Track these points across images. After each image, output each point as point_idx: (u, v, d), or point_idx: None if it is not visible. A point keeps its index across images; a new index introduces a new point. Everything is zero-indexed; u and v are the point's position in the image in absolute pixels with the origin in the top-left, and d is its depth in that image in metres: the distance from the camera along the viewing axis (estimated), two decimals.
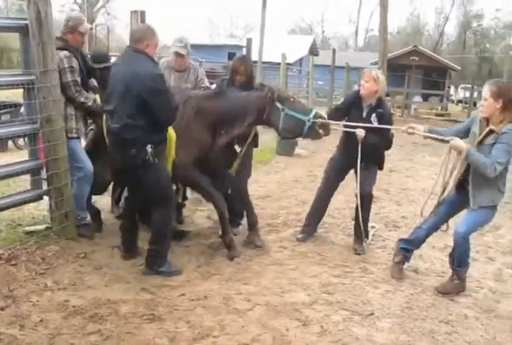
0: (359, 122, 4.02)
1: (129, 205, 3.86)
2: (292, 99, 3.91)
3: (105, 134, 3.56)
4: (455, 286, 3.58)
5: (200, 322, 2.92)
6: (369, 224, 4.48)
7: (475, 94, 20.69)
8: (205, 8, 62.91)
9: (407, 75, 21.07)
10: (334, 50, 17.35)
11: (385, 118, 4.10)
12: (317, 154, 9.10)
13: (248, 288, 3.39)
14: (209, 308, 3.08)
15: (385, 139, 4.09)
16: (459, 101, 26.66)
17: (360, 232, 4.25)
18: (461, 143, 3.36)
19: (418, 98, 22.53)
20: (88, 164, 3.98)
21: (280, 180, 6.71)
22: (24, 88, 3.79)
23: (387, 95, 21.03)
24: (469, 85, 21.47)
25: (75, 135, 3.96)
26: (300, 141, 7.09)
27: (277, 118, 3.82)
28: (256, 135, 4.35)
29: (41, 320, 2.81)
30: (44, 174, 3.93)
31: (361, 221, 4.18)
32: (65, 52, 3.81)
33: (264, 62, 11.50)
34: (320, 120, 3.84)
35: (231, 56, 16.76)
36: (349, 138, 4.14)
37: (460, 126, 3.76)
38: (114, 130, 3.35)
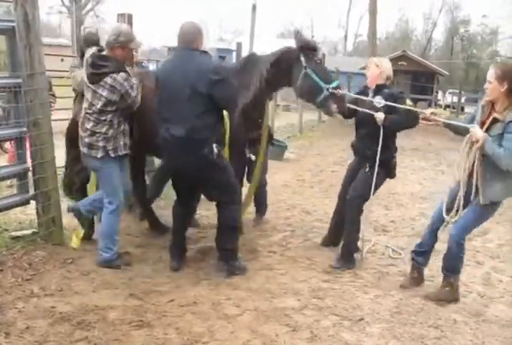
0: (366, 106, 3.90)
1: (184, 209, 3.77)
2: (318, 61, 3.74)
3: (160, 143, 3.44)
4: (446, 294, 3.52)
5: (190, 328, 2.89)
6: (361, 236, 4.15)
7: (463, 99, 20.91)
8: (194, 12, 63.00)
9: (395, 79, 21.22)
10: (323, 55, 17.44)
11: (394, 96, 3.90)
12: (306, 159, 9.13)
13: (237, 293, 3.37)
14: (198, 314, 3.05)
15: (406, 115, 3.82)
16: (447, 106, 26.93)
17: (343, 246, 4.06)
18: (479, 130, 3.19)
19: None
20: (121, 193, 3.71)
21: (270, 184, 6.69)
22: (10, 91, 3.74)
23: None
24: (457, 90, 21.69)
25: (124, 152, 3.64)
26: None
27: (297, 73, 3.68)
28: (271, 135, 4.40)
29: (27, 328, 2.76)
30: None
31: (345, 233, 4.06)
32: (123, 75, 3.46)
33: None
34: (338, 91, 3.67)
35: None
36: (359, 135, 4.07)
37: (467, 117, 3.63)
38: (179, 134, 3.28)
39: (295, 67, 3.69)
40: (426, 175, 8.28)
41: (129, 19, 5.13)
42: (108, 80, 3.43)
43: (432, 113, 3.59)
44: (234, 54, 12.78)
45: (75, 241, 3.88)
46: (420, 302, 3.47)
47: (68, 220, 4.14)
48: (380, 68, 3.96)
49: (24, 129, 3.80)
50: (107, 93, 3.44)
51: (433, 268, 4.10)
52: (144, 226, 4.56)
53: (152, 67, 17.53)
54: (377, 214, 5.61)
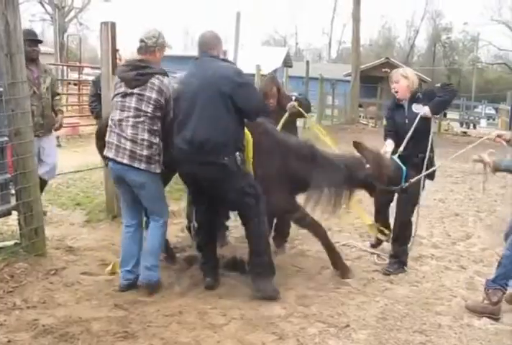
0: (403, 121, 4.00)
1: (209, 224, 3.63)
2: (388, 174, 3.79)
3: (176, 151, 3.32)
4: (484, 307, 3.43)
5: (175, 338, 2.86)
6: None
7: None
8: (179, 20, 63.05)
9: (379, 86, 21.52)
10: (307, 62, 17.63)
11: (428, 93, 4.00)
12: None
13: (223, 302, 3.35)
14: (184, 324, 3.03)
15: (443, 91, 3.93)
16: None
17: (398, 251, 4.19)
18: None
19: None
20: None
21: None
22: None
23: (360, 106, 21.42)
24: None
25: (160, 170, 3.40)
26: None
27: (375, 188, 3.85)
28: None
29: (9, 341, 2.71)
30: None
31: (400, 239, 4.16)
32: (168, 79, 3.36)
33: None
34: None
35: None
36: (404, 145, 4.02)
37: None
38: (200, 139, 3.20)
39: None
40: None
41: (112, 27, 5.12)
42: (155, 81, 3.29)
43: (498, 135, 3.63)
44: None
45: (110, 269, 3.73)
46: (405, 307, 3.49)
47: (51, 231, 4.09)
48: (408, 80, 3.99)
49: (6, 138, 3.75)
50: (156, 95, 3.28)
51: (419, 274, 4.15)
52: None
53: None
54: (361, 220, 5.62)
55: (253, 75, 11.07)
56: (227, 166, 3.24)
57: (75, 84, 17.18)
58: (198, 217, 3.67)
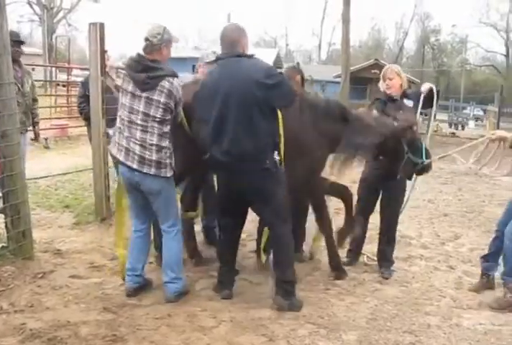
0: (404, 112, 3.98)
1: (233, 233, 3.51)
2: (418, 140, 3.80)
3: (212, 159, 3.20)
4: (508, 301, 3.54)
5: (165, 341, 2.84)
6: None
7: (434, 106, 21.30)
8: (171, 21, 63.06)
9: (369, 87, 21.63)
10: (297, 63, 17.62)
11: (417, 93, 4.12)
12: None
13: (213, 304, 3.34)
14: (174, 327, 3.01)
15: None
16: (420, 113, 27.50)
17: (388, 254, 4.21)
18: None
19: None
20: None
21: None
22: None
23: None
24: None
25: (172, 173, 3.32)
26: None
27: (400, 158, 3.73)
28: None
29: None
30: None
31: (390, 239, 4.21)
32: (178, 80, 3.25)
33: None
34: (429, 161, 3.81)
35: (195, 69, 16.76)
36: None
37: None
38: (239, 150, 3.06)
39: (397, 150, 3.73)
40: None
41: (100, 28, 5.08)
42: (165, 84, 3.16)
43: (500, 138, 3.65)
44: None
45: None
46: (395, 307, 3.50)
47: (39, 234, 4.05)
48: (401, 79, 4.09)
49: None
50: (165, 99, 3.17)
51: (408, 275, 4.17)
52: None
53: None
54: None
55: None
56: (269, 169, 3.14)
57: (63, 85, 17.06)
58: (223, 226, 3.52)
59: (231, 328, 3.04)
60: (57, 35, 29.15)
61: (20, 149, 3.76)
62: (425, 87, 4.10)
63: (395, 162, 3.79)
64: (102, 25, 5.08)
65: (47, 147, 9.53)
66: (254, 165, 3.11)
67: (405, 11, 67.60)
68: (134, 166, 3.18)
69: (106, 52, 5.09)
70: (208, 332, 2.97)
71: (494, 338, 3.16)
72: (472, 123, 24.04)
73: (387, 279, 4.06)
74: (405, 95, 4.16)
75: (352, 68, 20.66)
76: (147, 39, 3.23)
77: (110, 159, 5.41)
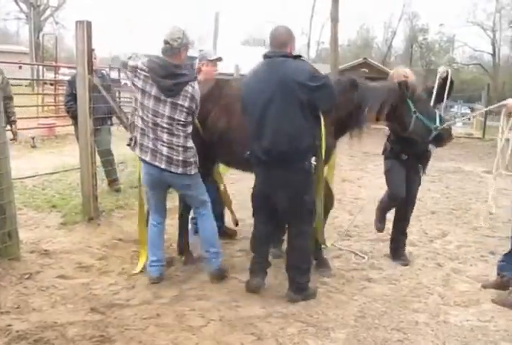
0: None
1: (267, 228, 3.58)
2: (423, 99, 3.80)
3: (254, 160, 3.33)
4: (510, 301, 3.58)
5: (153, 341, 2.83)
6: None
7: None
8: (159, 19, 62.68)
9: None
10: None
11: (427, 88, 4.08)
12: None
13: (202, 304, 3.33)
14: (162, 327, 3.00)
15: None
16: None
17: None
18: None
19: None
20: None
21: (235, 191, 6.69)
22: None
23: None
24: None
25: (197, 170, 3.59)
26: None
27: (407, 118, 3.74)
28: None
29: None
30: None
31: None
32: (197, 83, 3.46)
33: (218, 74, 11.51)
34: (445, 126, 3.78)
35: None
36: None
37: None
38: (280, 149, 3.17)
39: (403, 112, 3.75)
40: None
41: (87, 26, 5.03)
42: (189, 89, 3.37)
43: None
44: (197, 61, 12.76)
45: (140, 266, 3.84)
46: (383, 305, 3.52)
47: (25, 234, 4.01)
48: (410, 78, 4.05)
49: None
50: (189, 103, 3.39)
51: (396, 272, 4.19)
52: (104, 239, 4.45)
53: (113, 74, 17.26)
54: (341, 219, 5.68)
55: (232, 74, 11.09)
56: (306, 170, 3.25)
57: (51, 84, 16.87)
58: (257, 219, 3.62)
59: (219, 327, 3.04)
60: (44, 33, 28.78)
61: (6, 149, 3.71)
62: (441, 70, 4.06)
63: (404, 125, 3.79)
64: (89, 23, 5.02)
65: (34, 146, 9.43)
66: (292, 165, 3.22)
67: (393, 11, 68.12)
68: (163, 166, 3.41)
69: (93, 50, 5.05)
70: (196, 331, 2.96)
71: (481, 334, 3.20)
72: (459, 122, 24.22)
73: (407, 265, 4.29)
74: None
75: (340, 67, 20.75)
76: (167, 42, 3.36)
77: (97, 158, 5.39)
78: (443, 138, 3.89)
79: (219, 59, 4.47)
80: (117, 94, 14.75)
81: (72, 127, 6.09)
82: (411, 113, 3.74)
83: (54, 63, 17.54)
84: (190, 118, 3.44)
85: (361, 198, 6.87)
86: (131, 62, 3.42)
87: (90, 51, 4.85)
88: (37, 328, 2.88)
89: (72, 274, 3.71)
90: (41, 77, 17.23)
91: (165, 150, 3.38)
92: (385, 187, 7.70)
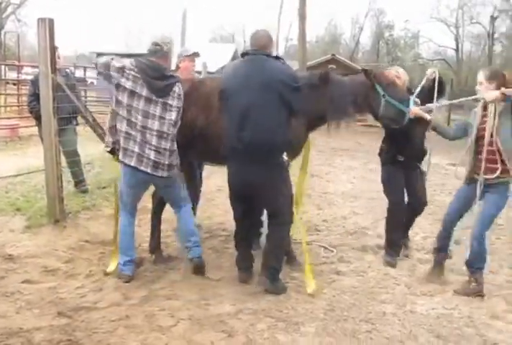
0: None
1: (247, 222, 3.76)
2: (392, 84, 3.84)
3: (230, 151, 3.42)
4: (473, 289, 3.72)
5: (122, 343, 2.81)
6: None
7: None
8: (123, 16, 61.61)
9: None
10: None
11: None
12: None
13: (172, 303, 3.31)
14: (131, 328, 2.97)
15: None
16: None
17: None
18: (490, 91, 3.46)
19: None
20: None
21: (203, 189, 6.67)
22: None
23: None
24: None
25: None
26: None
27: (377, 103, 3.78)
28: None
29: None
30: None
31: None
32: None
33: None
34: (417, 111, 3.79)
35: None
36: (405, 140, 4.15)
37: (457, 123, 3.97)
38: (259, 141, 3.26)
39: (372, 98, 3.80)
40: (356, 173, 8.61)
41: (50, 23, 4.90)
42: (176, 89, 3.51)
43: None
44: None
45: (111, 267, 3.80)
46: (351, 297, 3.58)
47: None
48: (401, 80, 4.08)
49: None
50: (177, 102, 3.52)
51: (364, 264, 4.27)
52: (71, 241, 4.37)
53: (78, 73, 16.90)
54: (310, 214, 5.74)
55: (199, 72, 11.01)
56: (280, 165, 3.39)
57: (14, 84, 16.40)
58: (237, 215, 3.74)
59: (189, 326, 3.03)
60: (5, 31, 27.94)
61: None
62: (429, 72, 4.11)
63: (373, 109, 3.85)
64: (51, 20, 4.89)
65: None
66: (269, 158, 3.34)
67: (360, 7, 68.98)
68: (149, 170, 3.46)
69: (56, 48, 4.93)
70: (166, 331, 2.95)
71: (446, 321, 3.30)
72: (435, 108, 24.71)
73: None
74: (409, 92, 4.13)
75: (309, 63, 20.88)
76: (157, 44, 3.51)
77: (63, 159, 5.27)
78: (418, 121, 3.89)
79: (196, 54, 4.49)
80: (83, 93, 14.49)
81: (36, 128, 5.94)
82: (380, 96, 3.80)
83: (16, 62, 17.03)
84: (178, 118, 3.54)
85: (329, 193, 6.96)
86: (116, 63, 3.43)
87: (53, 49, 4.73)
88: (2, 335, 2.81)
89: (38, 278, 3.62)
90: (3, 77, 16.70)
91: (152, 154, 3.43)
92: (353, 181, 7.82)
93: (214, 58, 22.96)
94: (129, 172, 3.52)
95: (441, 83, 4.05)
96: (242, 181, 3.49)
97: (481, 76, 3.59)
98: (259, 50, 3.40)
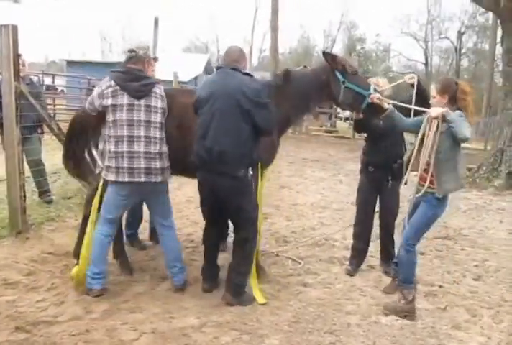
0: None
1: (215, 231, 3.78)
2: (354, 72, 3.85)
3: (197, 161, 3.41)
4: (402, 307, 3.58)
5: None
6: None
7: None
8: (95, 24, 60.96)
9: None
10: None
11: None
12: None
13: (135, 316, 3.25)
14: (92, 342, 2.90)
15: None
16: (346, 118, 28.56)
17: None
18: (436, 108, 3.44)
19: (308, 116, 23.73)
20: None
21: (173, 200, 6.61)
22: None
23: None
24: None
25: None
26: None
27: (336, 88, 3.81)
28: None
29: None
30: None
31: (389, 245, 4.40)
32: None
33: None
34: (379, 96, 3.78)
35: None
36: (381, 148, 4.19)
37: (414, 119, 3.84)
38: (219, 150, 3.28)
39: (332, 83, 3.85)
40: (325, 184, 8.68)
41: (13, 30, 4.81)
42: (157, 90, 3.48)
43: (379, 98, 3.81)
44: None
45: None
46: (317, 309, 3.59)
47: None
48: (380, 87, 4.08)
49: None
50: (161, 104, 3.49)
51: (332, 276, 4.29)
52: (33, 253, 4.25)
53: (48, 81, 16.61)
54: (279, 226, 5.75)
55: (170, 82, 10.98)
56: (240, 179, 3.35)
57: None
58: (206, 224, 3.78)
59: (152, 339, 2.98)
60: None
61: None
62: (407, 77, 4.12)
63: (333, 95, 3.88)
64: (15, 27, 4.80)
65: None
66: (229, 169, 3.33)
67: (332, 20, 70.31)
68: (142, 179, 3.41)
69: (20, 56, 4.83)
70: None
71: (409, 333, 3.34)
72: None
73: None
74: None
75: None
76: (132, 51, 3.52)
77: (26, 168, 5.15)
78: (376, 108, 3.85)
79: (155, 58, 4.46)
80: (52, 101, 14.20)
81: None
82: (340, 83, 3.84)
83: None
84: (163, 120, 3.51)
85: (298, 204, 6.99)
86: (95, 93, 3.44)
87: (17, 56, 4.64)
88: None
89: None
90: None
91: (142, 162, 3.40)
92: (322, 192, 7.90)
93: (187, 68, 22.99)
94: (117, 187, 3.46)
95: (423, 90, 4.00)
96: (207, 189, 3.52)
97: (433, 90, 3.61)
98: (229, 64, 3.51)
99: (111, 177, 3.43)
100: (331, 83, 3.87)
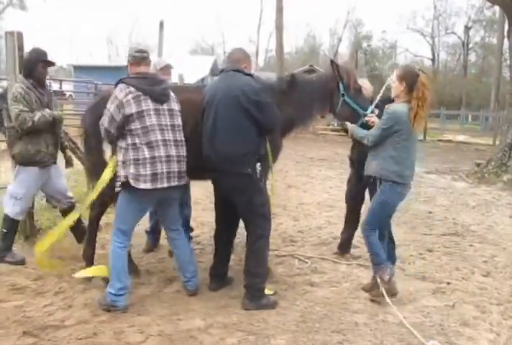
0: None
1: (226, 231, 3.80)
2: (358, 89, 3.86)
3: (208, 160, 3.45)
4: (384, 289, 3.64)
5: None
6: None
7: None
8: (101, 29, 61.46)
9: None
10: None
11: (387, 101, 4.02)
12: None
13: (142, 319, 3.27)
14: None
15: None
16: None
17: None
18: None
19: None
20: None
21: None
22: None
23: None
24: None
25: None
26: None
27: (336, 100, 3.85)
28: None
29: None
30: None
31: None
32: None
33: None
34: (374, 120, 3.78)
35: None
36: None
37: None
38: (226, 150, 3.34)
39: (333, 93, 3.87)
40: (332, 183, 8.65)
41: (18, 37, 4.85)
42: (171, 93, 3.49)
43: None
44: None
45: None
46: (324, 308, 3.58)
47: None
48: (366, 90, 4.12)
49: None
50: (178, 106, 3.50)
51: (339, 274, 4.28)
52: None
53: (55, 86, 16.70)
54: (285, 225, 5.75)
55: (176, 84, 11.02)
56: (249, 175, 3.38)
57: None
58: (218, 224, 3.82)
59: (159, 341, 2.99)
60: None
61: None
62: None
63: (333, 106, 3.90)
64: (20, 34, 4.85)
65: None
66: (237, 168, 3.37)
67: (338, 18, 70.12)
68: (175, 183, 3.38)
69: None
70: None
71: (417, 330, 3.30)
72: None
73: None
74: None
75: (287, 74, 21.07)
76: (143, 51, 3.51)
77: None
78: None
79: (169, 66, 4.47)
80: (60, 107, 14.31)
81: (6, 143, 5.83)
82: (340, 94, 3.85)
83: None
84: (182, 122, 3.51)
85: (305, 203, 6.98)
86: (116, 116, 3.27)
87: (22, 62, 4.67)
88: None
89: (5, 296, 3.54)
90: None
91: (176, 166, 3.37)
92: (329, 191, 7.87)
93: (193, 70, 23.04)
94: (141, 195, 3.30)
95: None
96: (219, 189, 3.66)
97: (393, 75, 3.64)
98: (231, 66, 3.59)
99: (145, 185, 3.24)
100: (333, 92, 3.88)
